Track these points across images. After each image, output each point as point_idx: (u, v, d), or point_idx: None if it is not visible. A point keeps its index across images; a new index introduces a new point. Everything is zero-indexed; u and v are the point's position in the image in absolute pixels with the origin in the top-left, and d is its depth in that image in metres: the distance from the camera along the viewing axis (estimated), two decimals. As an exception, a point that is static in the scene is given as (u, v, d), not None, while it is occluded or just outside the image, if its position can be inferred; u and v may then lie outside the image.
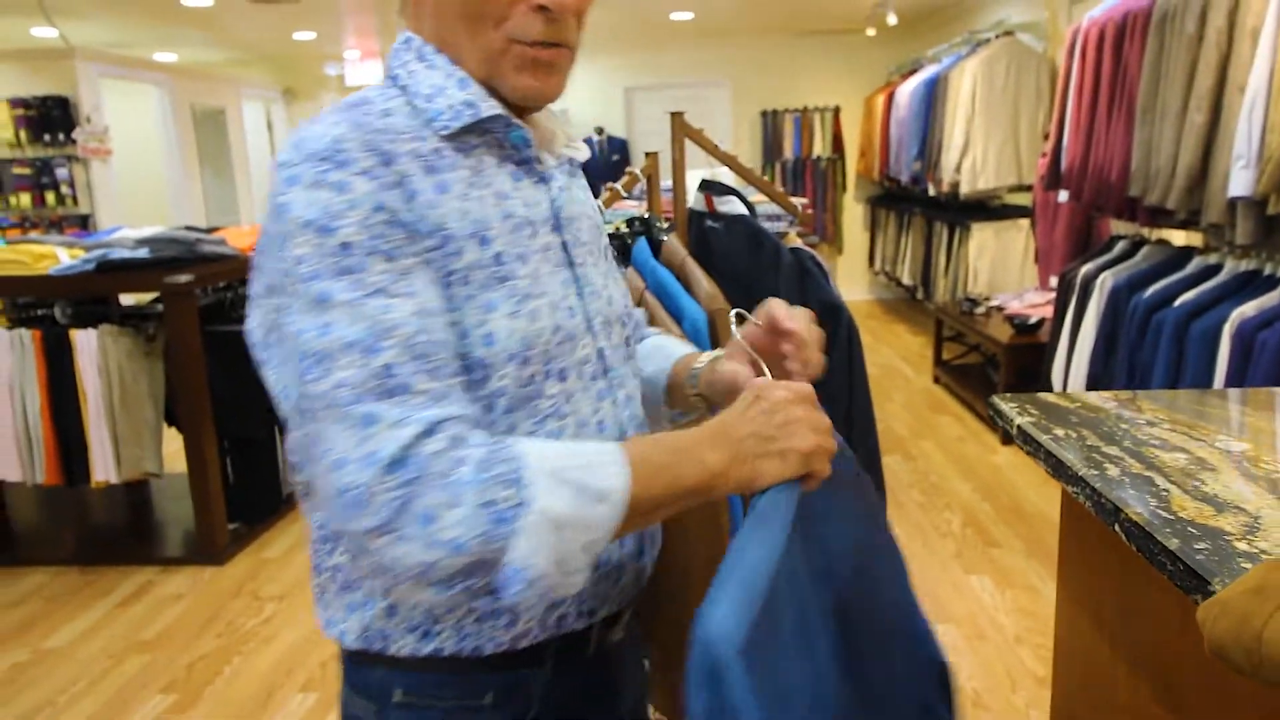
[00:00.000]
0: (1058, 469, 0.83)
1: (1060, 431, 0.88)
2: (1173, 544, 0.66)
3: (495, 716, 0.79)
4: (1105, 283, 3.36)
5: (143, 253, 3.08)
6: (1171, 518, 0.70)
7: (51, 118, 6.48)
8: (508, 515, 0.64)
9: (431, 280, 0.71)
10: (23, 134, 6.49)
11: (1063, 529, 1.07)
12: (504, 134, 0.79)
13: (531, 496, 0.65)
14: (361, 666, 0.80)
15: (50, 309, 3.17)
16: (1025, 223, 5.26)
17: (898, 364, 5.55)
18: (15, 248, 3.04)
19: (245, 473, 3.33)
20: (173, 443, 3.33)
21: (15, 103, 6.46)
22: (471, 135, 0.77)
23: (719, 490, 0.72)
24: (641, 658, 0.97)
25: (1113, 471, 0.80)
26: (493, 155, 0.79)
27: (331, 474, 0.64)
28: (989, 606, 2.68)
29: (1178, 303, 2.88)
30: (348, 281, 0.67)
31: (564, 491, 0.66)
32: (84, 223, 6.59)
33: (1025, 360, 4.03)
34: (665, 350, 0.99)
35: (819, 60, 7.60)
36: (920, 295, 6.33)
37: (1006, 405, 0.98)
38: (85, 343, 2.98)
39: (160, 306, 3.21)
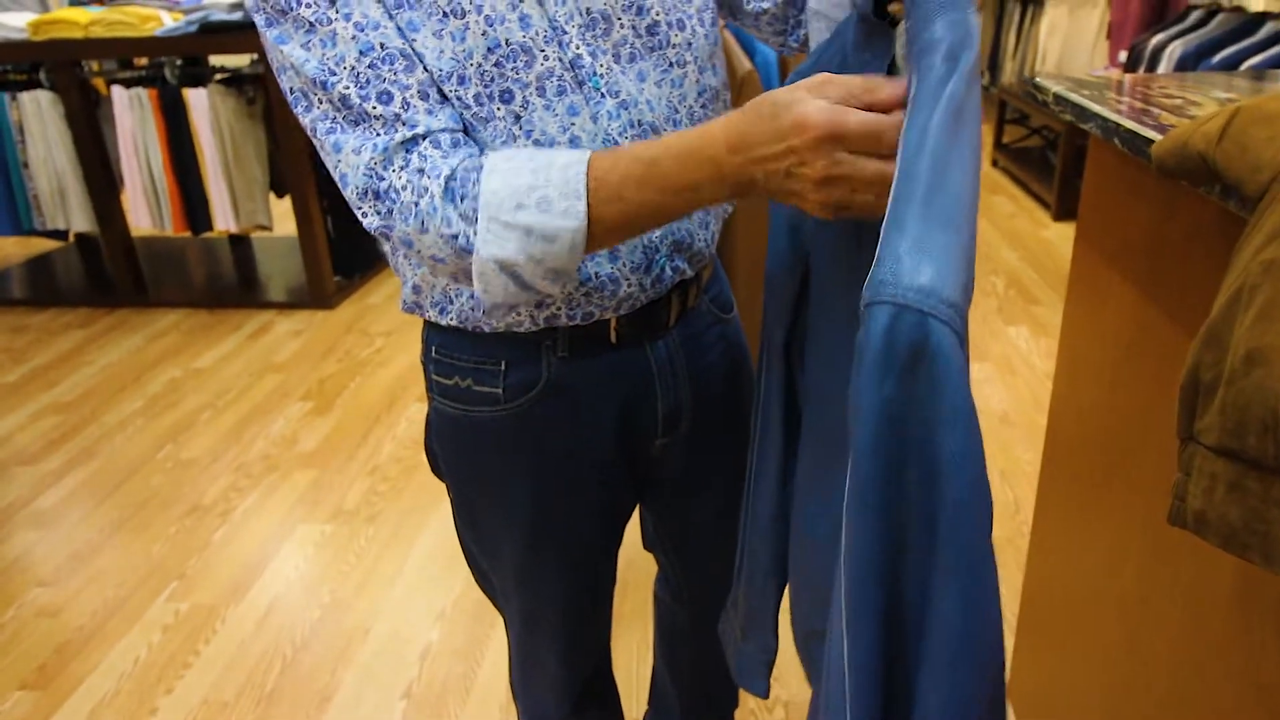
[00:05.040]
0: (1080, 114, 1.04)
1: (1089, 91, 1.08)
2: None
3: (508, 378, 0.88)
4: (1174, 52, 3.37)
5: (239, 15, 3.26)
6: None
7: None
8: (468, 248, 0.70)
9: None
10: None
11: (1078, 238, 1.27)
12: None
13: (480, 244, 0.69)
14: (423, 324, 0.93)
15: (160, 70, 3.40)
16: None
17: (957, 149, 5.59)
18: (122, 9, 3.23)
19: (344, 230, 3.63)
20: (273, 209, 3.63)
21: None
22: None
23: (719, 192, 0.67)
24: (725, 340, 1.00)
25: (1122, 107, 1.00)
26: None
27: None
28: (1023, 350, 2.95)
29: (1242, 68, 2.93)
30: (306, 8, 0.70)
31: (511, 236, 0.68)
32: None
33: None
34: None
35: None
36: (986, 80, 6.23)
37: (1045, 80, 1.18)
38: (197, 101, 3.23)
39: (251, 71, 3.42)
